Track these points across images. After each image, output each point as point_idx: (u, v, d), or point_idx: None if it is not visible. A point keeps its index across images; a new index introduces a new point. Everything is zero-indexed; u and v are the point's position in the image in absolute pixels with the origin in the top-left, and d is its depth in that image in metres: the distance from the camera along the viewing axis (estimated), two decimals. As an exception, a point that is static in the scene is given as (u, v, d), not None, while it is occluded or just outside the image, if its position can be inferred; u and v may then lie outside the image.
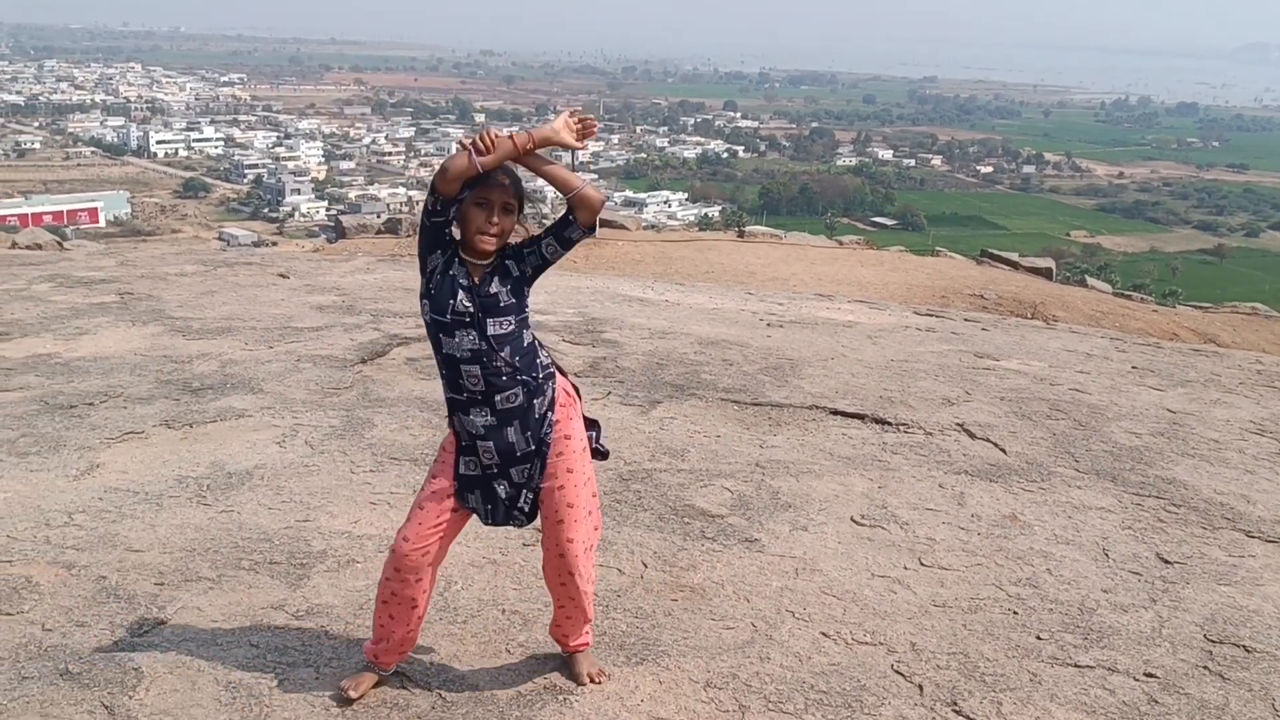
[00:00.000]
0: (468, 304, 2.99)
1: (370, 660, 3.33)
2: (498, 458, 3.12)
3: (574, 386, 3.29)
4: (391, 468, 5.11)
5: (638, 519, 4.66)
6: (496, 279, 3.03)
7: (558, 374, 3.21)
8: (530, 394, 3.10)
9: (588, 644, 3.48)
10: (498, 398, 3.06)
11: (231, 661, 3.45)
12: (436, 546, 3.18)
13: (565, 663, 3.48)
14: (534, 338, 3.14)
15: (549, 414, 3.15)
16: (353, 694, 3.25)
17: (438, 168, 2.94)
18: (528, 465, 3.15)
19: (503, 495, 3.17)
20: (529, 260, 3.05)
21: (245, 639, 3.59)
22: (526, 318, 3.10)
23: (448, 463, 3.18)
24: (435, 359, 3.12)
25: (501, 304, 3.02)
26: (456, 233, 3.03)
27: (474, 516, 3.25)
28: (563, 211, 3.04)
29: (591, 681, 3.41)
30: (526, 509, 3.21)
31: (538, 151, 2.97)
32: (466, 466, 3.16)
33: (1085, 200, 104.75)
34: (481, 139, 2.89)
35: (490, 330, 3.01)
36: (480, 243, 2.97)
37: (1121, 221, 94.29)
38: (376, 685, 3.33)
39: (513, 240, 3.07)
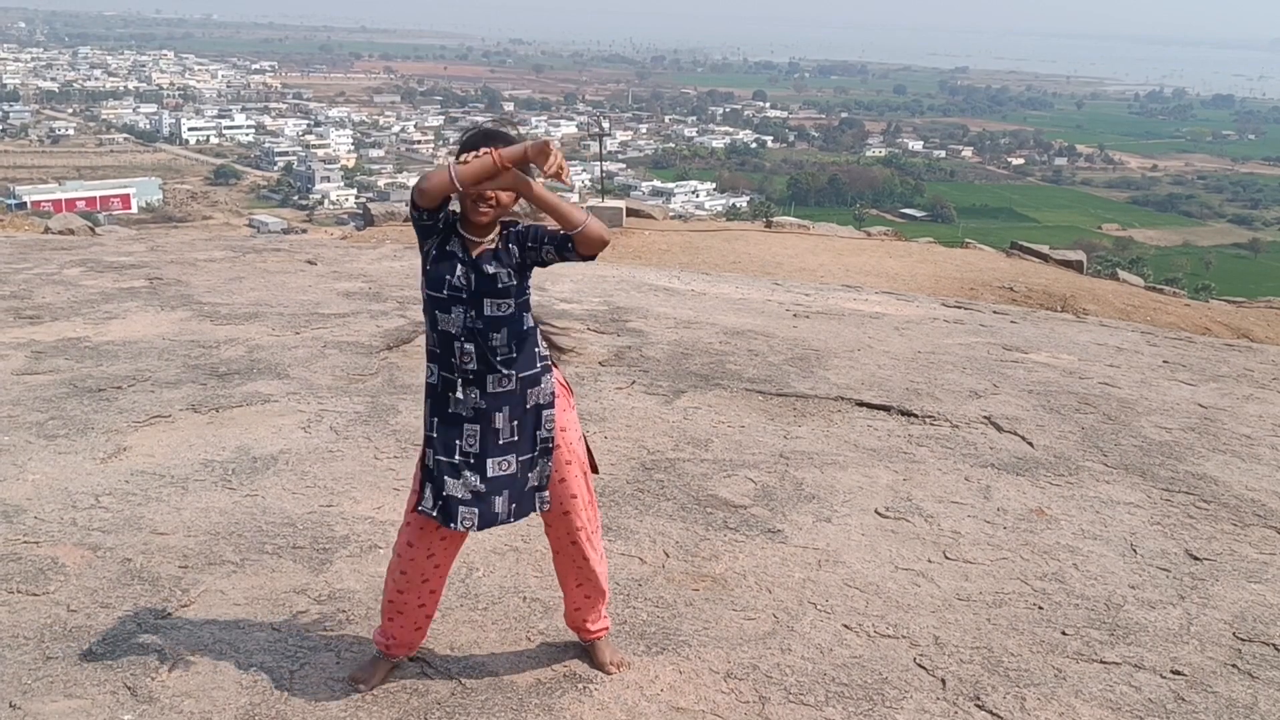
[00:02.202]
0: (464, 280, 2.95)
1: (381, 650, 3.31)
2: (478, 445, 3.04)
3: (565, 380, 3.24)
4: (415, 454, 5.11)
5: (660, 508, 4.65)
6: (496, 260, 2.97)
7: (554, 368, 3.16)
8: (524, 383, 3.05)
9: (606, 628, 3.46)
10: (490, 379, 3.00)
11: (254, 645, 3.46)
12: (442, 553, 3.17)
13: (586, 651, 3.47)
14: (535, 324, 3.10)
15: (546, 411, 3.10)
16: (363, 687, 3.24)
17: (416, 183, 2.92)
18: (509, 458, 3.07)
19: (473, 486, 3.03)
20: (529, 254, 2.99)
21: (267, 623, 3.60)
22: (527, 300, 3.06)
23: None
24: (428, 339, 3.06)
25: (500, 285, 2.97)
26: (455, 206, 3.00)
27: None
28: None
29: (615, 669, 3.41)
30: (500, 513, 3.09)
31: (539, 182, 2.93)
32: (426, 457, 3.06)
33: (1118, 193, 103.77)
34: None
35: (488, 310, 2.97)
36: (477, 215, 2.94)
37: (1154, 215, 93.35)
38: (389, 674, 3.31)
39: (521, 220, 3.04)
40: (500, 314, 2.98)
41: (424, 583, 3.17)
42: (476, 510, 3.06)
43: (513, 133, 3.03)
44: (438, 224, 2.96)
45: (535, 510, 3.16)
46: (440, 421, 3.05)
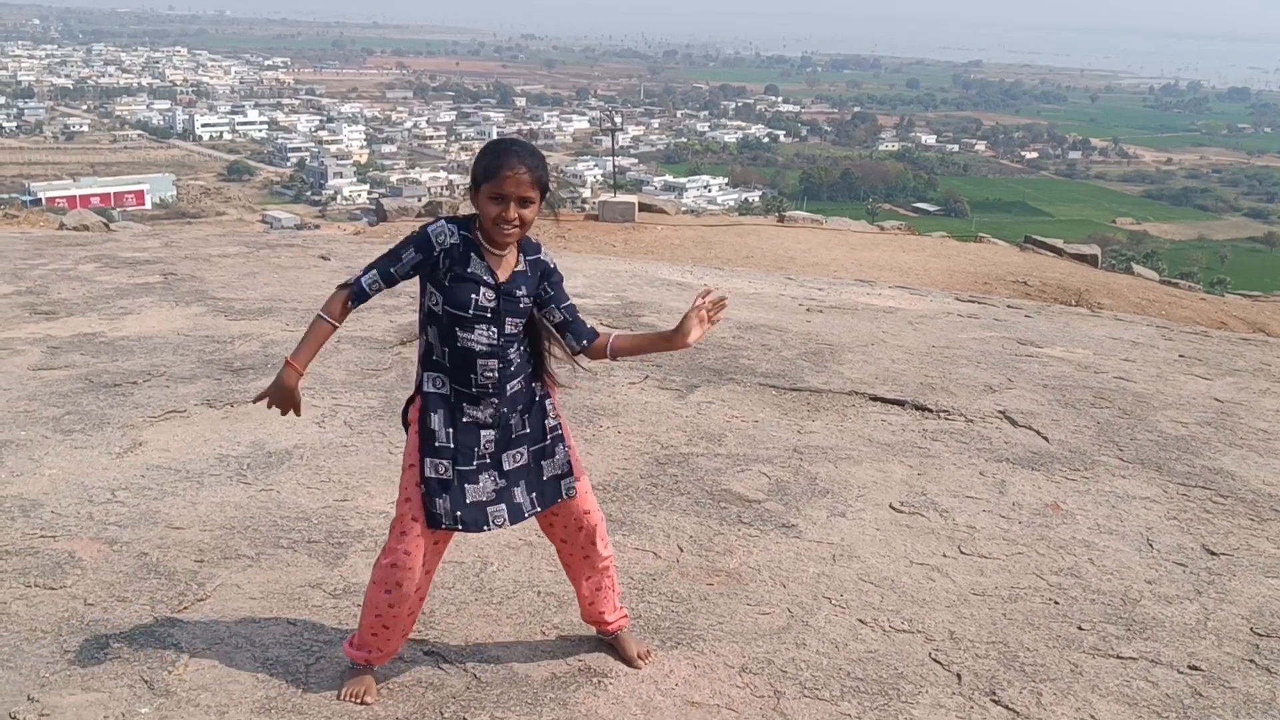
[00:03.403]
0: (491, 300, 2.95)
1: (359, 663, 3.22)
2: (494, 445, 3.06)
3: (551, 371, 3.26)
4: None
5: (674, 503, 4.64)
6: (523, 283, 3.00)
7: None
8: (528, 379, 3.12)
9: (626, 618, 3.46)
10: (507, 387, 3.04)
11: (269, 639, 3.47)
12: (433, 558, 3.10)
13: (610, 647, 3.46)
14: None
15: (548, 400, 3.16)
16: (369, 699, 3.16)
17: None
18: (521, 449, 3.09)
19: (495, 484, 3.04)
20: (542, 293, 3.07)
21: (283, 617, 3.61)
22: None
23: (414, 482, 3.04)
24: (433, 351, 3.02)
25: (520, 306, 3.01)
26: (455, 230, 2.97)
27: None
28: (577, 334, 3.14)
29: (643, 661, 3.40)
30: (523, 504, 3.09)
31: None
32: (435, 470, 2.99)
33: (1132, 187, 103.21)
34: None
35: (509, 329, 3.00)
36: (501, 235, 2.90)
37: (1169, 208, 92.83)
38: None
39: (549, 256, 3.08)
40: (516, 331, 3.03)
41: (416, 592, 3.10)
42: (504, 506, 3.07)
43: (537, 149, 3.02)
44: (435, 259, 2.95)
45: (562, 497, 3.17)
46: (457, 431, 3.02)
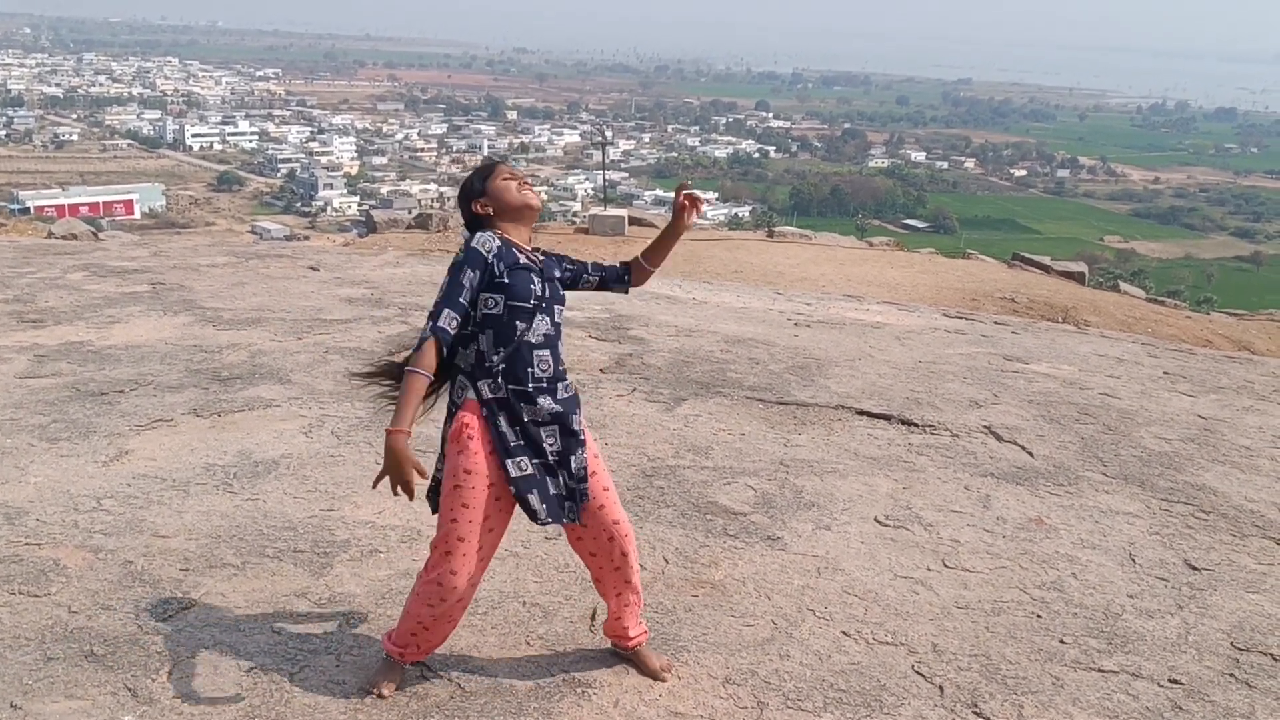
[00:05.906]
0: (541, 289, 3.07)
1: (395, 658, 3.29)
2: (559, 443, 3.10)
3: None
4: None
5: (660, 515, 4.66)
6: (557, 269, 3.21)
7: None
8: (569, 388, 3.18)
9: (647, 633, 3.47)
10: (560, 385, 3.11)
11: (254, 647, 3.47)
12: (489, 548, 3.17)
13: (630, 661, 3.46)
14: None
15: (578, 412, 3.21)
16: (386, 693, 3.23)
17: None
18: (579, 452, 3.14)
19: (562, 486, 3.11)
20: (566, 274, 3.27)
21: (268, 626, 3.61)
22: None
23: (479, 487, 3.01)
24: (494, 354, 3.03)
25: (561, 293, 3.18)
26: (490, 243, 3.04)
27: (507, 526, 3.18)
28: (618, 266, 3.41)
29: (667, 674, 3.40)
30: (577, 503, 3.15)
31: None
32: (518, 468, 3.04)
33: (1120, 205, 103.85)
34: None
35: (557, 318, 3.12)
36: (533, 196, 3.16)
37: (1156, 227, 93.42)
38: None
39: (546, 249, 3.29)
40: (562, 321, 3.17)
41: (459, 602, 3.15)
42: (573, 504, 3.13)
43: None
44: (490, 267, 3.01)
45: (585, 499, 3.17)
46: (522, 430, 3.07)
